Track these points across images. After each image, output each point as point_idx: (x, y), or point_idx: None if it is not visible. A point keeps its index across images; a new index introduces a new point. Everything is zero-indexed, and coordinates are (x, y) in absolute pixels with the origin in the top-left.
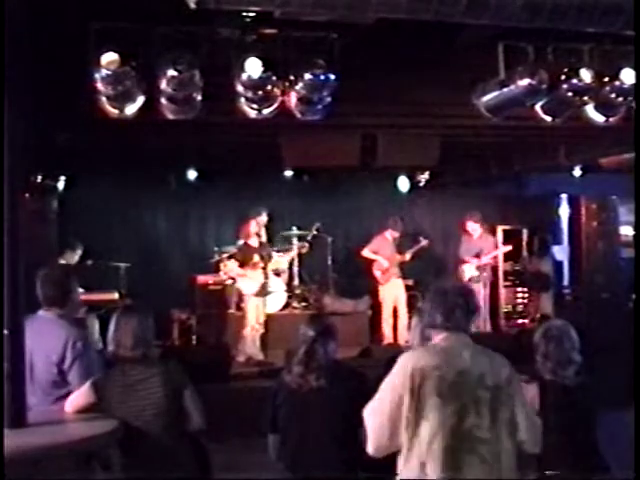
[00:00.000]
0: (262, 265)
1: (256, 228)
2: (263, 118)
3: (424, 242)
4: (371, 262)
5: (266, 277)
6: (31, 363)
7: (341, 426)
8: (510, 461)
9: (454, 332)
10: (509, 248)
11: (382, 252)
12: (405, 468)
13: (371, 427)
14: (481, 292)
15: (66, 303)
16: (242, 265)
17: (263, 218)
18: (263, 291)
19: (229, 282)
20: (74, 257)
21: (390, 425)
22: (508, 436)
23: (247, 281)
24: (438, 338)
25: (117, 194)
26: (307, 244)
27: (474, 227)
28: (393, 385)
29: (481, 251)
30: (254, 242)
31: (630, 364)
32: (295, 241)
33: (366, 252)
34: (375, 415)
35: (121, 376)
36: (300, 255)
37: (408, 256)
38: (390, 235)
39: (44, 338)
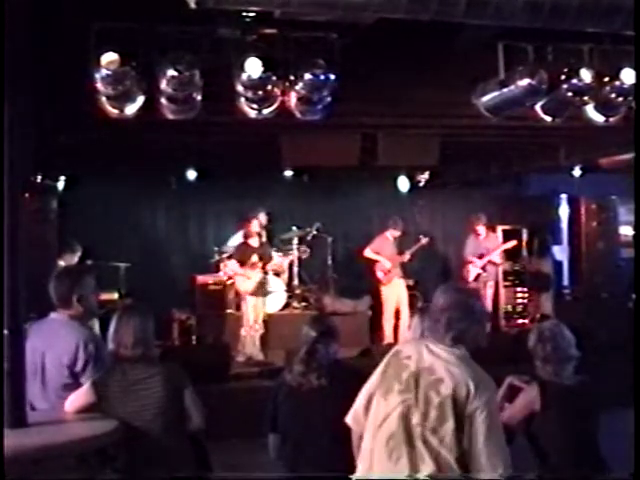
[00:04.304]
0: (261, 265)
1: (257, 228)
2: (263, 118)
3: (424, 240)
4: (373, 262)
5: (264, 277)
6: (42, 366)
7: (341, 425)
8: (448, 469)
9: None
10: (514, 243)
11: (383, 252)
12: (360, 450)
13: (359, 394)
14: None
15: (71, 304)
16: (241, 265)
17: (263, 218)
18: (260, 291)
19: (229, 282)
20: (74, 257)
21: (367, 396)
22: (453, 448)
23: (244, 280)
24: None
25: (117, 194)
26: (307, 249)
27: (481, 229)
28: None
29: (485, 251)
30: (254, 242)
31: (630, 364)
32: (295, 243)
33: (368, 252)
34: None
35: (121, 376)
36: (300, 257)
37: (408, 255)
38: (391, 235)
39: (55, 341)
